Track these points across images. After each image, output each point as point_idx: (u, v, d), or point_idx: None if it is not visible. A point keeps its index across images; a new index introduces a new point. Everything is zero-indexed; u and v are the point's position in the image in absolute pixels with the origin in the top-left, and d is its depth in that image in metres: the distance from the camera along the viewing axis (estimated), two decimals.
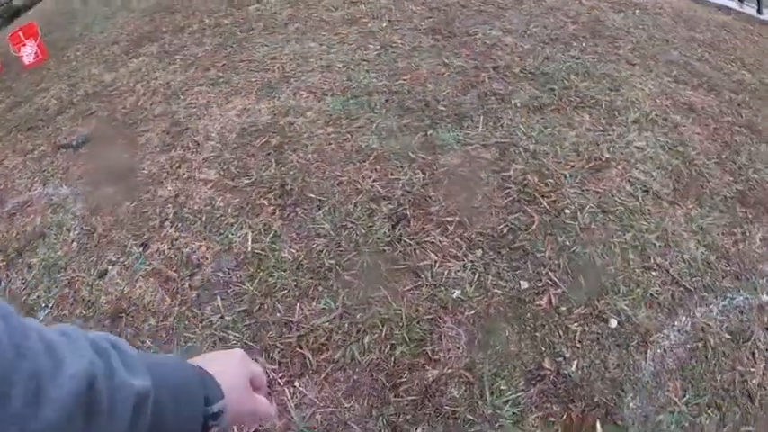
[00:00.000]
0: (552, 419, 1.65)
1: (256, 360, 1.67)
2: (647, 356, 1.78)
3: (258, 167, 2.08)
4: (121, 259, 2.01)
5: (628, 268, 1.99)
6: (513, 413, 1.65)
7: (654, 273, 1.99)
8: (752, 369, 1.75)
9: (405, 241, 1.88)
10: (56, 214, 2.39)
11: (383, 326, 1.72)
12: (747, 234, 2.14)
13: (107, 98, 2.81)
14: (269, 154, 2.12)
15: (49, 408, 0.35)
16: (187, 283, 1.84)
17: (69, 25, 4.43)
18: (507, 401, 1.67)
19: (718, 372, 1.72)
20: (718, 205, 2.24)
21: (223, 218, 1.95)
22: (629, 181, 2.34)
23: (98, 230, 2.17)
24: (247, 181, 2.04)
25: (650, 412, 1.67)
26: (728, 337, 1.81)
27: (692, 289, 1.94)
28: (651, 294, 1.92)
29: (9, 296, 2.26)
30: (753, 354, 1.78)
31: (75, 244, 2.21)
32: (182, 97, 2.52)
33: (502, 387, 1.70)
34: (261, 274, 1.79)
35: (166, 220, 2.02)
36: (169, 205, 2.06)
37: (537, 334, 1.81)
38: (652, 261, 2.02)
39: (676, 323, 1.87)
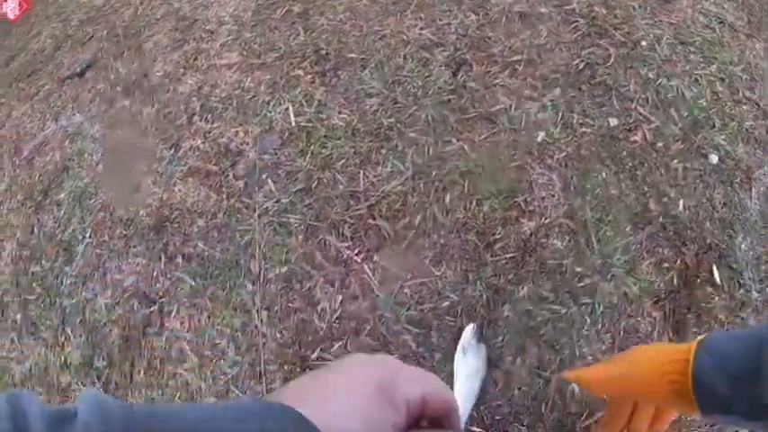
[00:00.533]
0: (666, 265, 1.44)
1: (325, 240, 1.45)
2: (752, 195, 1.56)
3: (285, 39, 1.79)
4: (153, 167, 1.79)
5: (719, 101, 1.74)
6: (625, 261, 1.43)
7: (745, 107, 1.74)
8: None
9: (470, 87, 1.60)
10: (74, 143, 2.17)
11: (464, 180, 1.47)
12: None
13: (103, 19, 2.53)
14: (294, 23, 1.82)
15: None
16: (231, 174, 1.61)
17: None
18: (616, 249, 1.44)
19: None
20: None
21: (256, 98, 1.69)
22: (701, 12, 2.02)
23: (122, 146, 1.94)
24: (276, 55, 1.76)
25: (762, 254, 1.46)
26: None
27: None
28: (746, 129, 1.67)
29: (44, 239, 2.08)
30: None
31: (100, 167, 1.99)
32: None
33: (608, 233, 1.46)
34: (312, 147, 1.55)
35: (194, 114, 1.78)
36: (193, 99, 1.81)
37: (637, 173, 1.55)
38: (741, 94, 1.77)
39: None
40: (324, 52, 1.71)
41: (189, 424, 0.27)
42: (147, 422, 0.26)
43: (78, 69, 2.41)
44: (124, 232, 1.80)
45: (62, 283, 1.94)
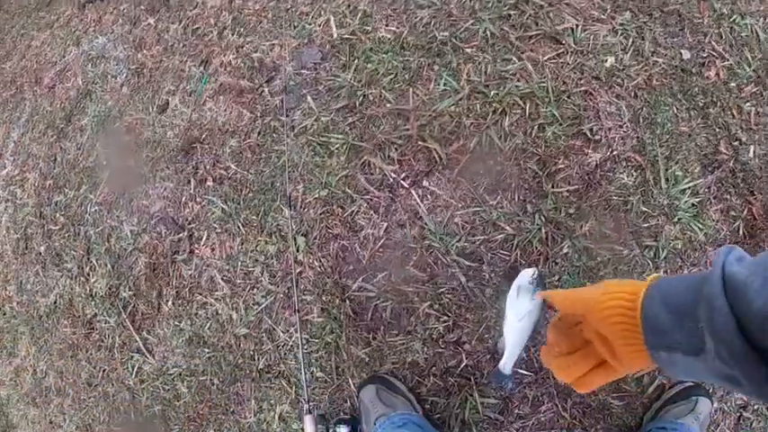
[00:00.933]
0: (733, 213, 1.32)
1: (370, 162, 1.33)
2: None
3: None
4: (182, 85, 1.67)
5: None
6: (692, 205, 1.31)
7: None
8: None
9: (534, 2, 1.43)
10: (97, 67, 2.05)
11: (525, 103, 1.32)
12: None
13: None
14: None
15: None
16: (266, 90, 1.48)
17: None
18: (684, 191, 1.32)
19: None
20: None
21: (293, 8, 1.54)
22: None
23: (148, 65, 1.82)
24: None
25: None
26: None
27: None
28: None
29: (67, 167, 2.00)
30: None
31: (125, 88, 1.88)
32: None
33: (677, 173, 1.33)
34: (357, 61, 1.41)
35: (224, 29, 1.64)
36: (224, 13, 1.66)
37: (709, 111, 1.41)
38: None
39: None
40: None
41: None
42: None
43: None
44: (151, 155, 1.69)
45: (86, 211, 1.86)
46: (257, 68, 1.51)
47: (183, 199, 1.56)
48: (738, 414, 1.27)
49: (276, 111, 1.43)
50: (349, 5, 1.48)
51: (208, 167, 1.52)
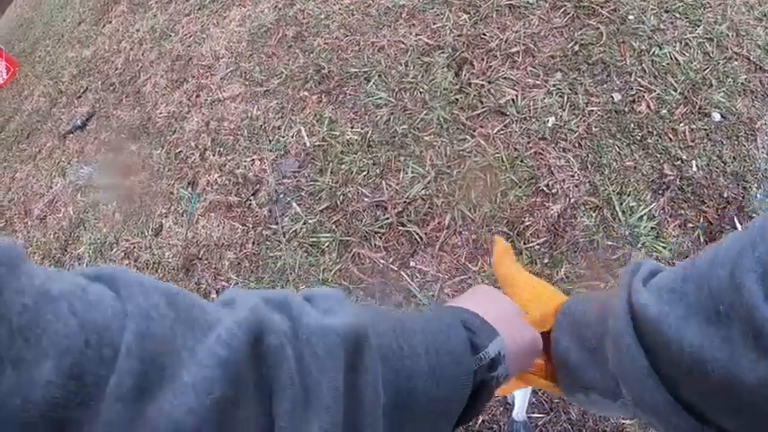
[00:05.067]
0: (690, 225, 1.47)
1: (359, 253, 1.47)
2: (758, 144, 1.60)
3: (284, 63, 1.82)
4: (173, 207, 1.80)
5: (711, 61, 1.79)
6: (652, 228, 1.46)
7: (736, 62, 1.79)
8: None
9: (475, 84, 1.62)
10: (86, 196, 2.18)
11: (485, 174, 1.49)
12: None
13: (95, 70, 2.55)
14: (290, 47, 1.85)
15: (175, 402, 0.19)
16: (253, 203, 1.62)
17: (29, 31, 4.13)
18: (642, 218, 1.47)
19: None
20: None
21: (266, 125, 1.71)
22: None
23: (136, 191, 1.95)
24: (278, 80, 1.78)
25: None
26: None
27: None
28: (742, 83, 1.72)
29: None
30: None
31: (117, 215, 2.01)
32: (172, 34, 2.24)
33: (631, 204, 1.49)
34: (331, 164, 1.57)
35: (206, 150, 1.79)
36: (203, 135, 1.82)
37: (648, 141, 1.60)
38: (730, 51, 1.83)
39: None
40: (326, 71, 1.74)
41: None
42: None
43: (79, 122, 2.43)
44: (152, 275, 1.80)
45: None
46: (242, 183, 1.66)
47: None
48: None
49: (266, 220, 1.58)
50: (315, 115, 1.65)
51: (210, 281, 1.64)
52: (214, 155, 1.76)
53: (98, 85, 2.46)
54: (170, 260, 1.77)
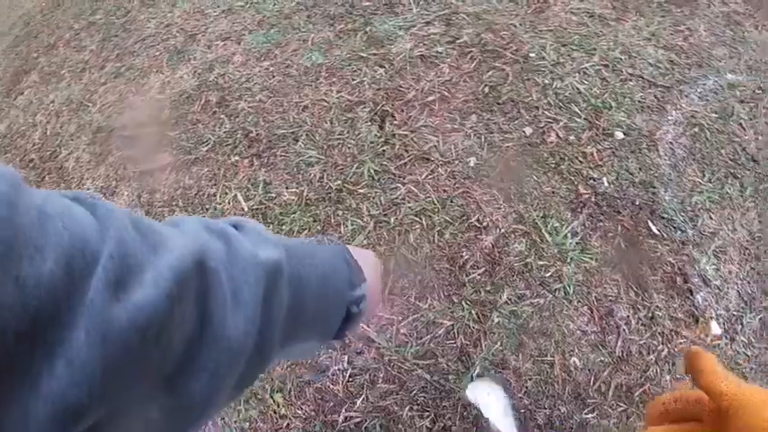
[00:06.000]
0: (610, 234, 1.66)
1: None
2: (660, 153, 1.83)
3: (211, 129, 1.85)
4: None
5: (609, 85, 2.02)
6: (577, 243, 1.63)
7: (631, 83, 2.03)
8: (745, 137, 1.88)
9: (399, 134, 1.75)
10: None
11: (420, 218, 1.61)
12: (692, 29, 2.22)
13: (10, 146, 2.41)
14: (215, 112, 1.89)
15: (141, 293, 0.27)
16: None
17: None
18: (566, 236, 1.64)
19: (721, 147, 1.84)
20: (656, 11, 2.32)
21: (201, 192, 1.72)
22: (572, 12, 2.34)
23: None
24: (207, 147, 1.81)
25: (684, 198, 1.73)
26: (716, 115, 1.91)
27: (669, 86, 2.00)
28: (638, 101, 1.95)
29: None
30: (740, 124, 1.90)
31: None
32: (90, 104, 2.19)
33: (555, 225, 1.66)
34: (271, 226, 1.61)
35: None
36: (135, 209, 1.80)
37: (562, 167, 1.78)
38: (625, 73, 2.07)
39: (669, 118, 1.92)
40: (254, 134, 1.79)
41: (290, 240, 0.47)
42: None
43: None
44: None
45: None
46: None
47: None
48: None
49: None
50: (249, 179, 1.70)
51: None
52: None
53: (17, 162, 2.32)
54: None
